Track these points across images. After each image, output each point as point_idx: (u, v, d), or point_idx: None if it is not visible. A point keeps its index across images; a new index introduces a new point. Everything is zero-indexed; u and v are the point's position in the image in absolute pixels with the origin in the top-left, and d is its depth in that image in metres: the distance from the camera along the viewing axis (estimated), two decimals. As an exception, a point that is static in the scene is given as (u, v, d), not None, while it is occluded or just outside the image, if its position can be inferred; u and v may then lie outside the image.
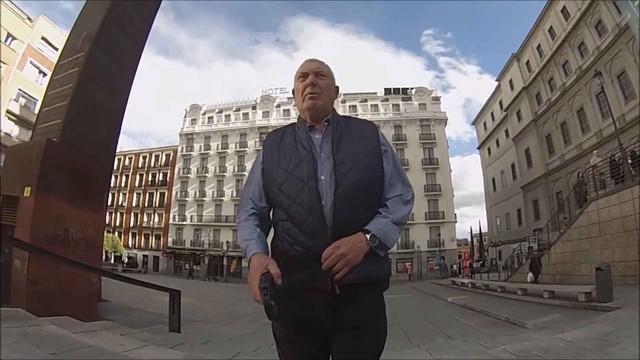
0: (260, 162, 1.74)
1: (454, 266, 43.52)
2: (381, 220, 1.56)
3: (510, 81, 39.17)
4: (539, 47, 32.90)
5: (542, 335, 6.66)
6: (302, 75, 1.75)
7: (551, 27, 30.47)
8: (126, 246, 57.14)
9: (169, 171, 59.53)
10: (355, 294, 1.50)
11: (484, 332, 8.76)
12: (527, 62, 35.36)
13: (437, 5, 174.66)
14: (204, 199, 55.77)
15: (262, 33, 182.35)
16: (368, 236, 1.48)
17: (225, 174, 56.41)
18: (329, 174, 1.55)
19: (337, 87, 1.85)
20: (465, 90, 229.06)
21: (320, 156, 1.61)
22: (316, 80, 1.70)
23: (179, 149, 59.63)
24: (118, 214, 59.70)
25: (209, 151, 57.79)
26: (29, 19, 32.43)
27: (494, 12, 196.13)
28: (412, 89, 56.99)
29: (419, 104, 55.18)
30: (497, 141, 45.83)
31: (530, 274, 16.81)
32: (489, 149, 49.21)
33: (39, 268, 6.92)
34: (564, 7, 28.25)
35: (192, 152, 58.74)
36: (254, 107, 59.93)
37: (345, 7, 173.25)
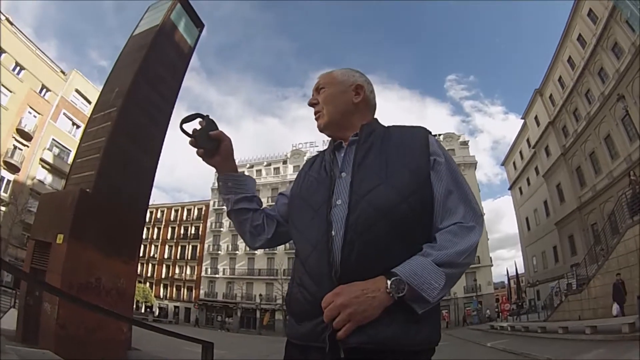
0: (288, 191, 1.55)
1: (488, 311, 41.98)
2: (418, 260, 1.12)
3: (536, 117, 38.75)
4: (560, 79, 32.66)
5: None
6: None
7: (570, 57, 30.36)
8: (157, 297, 57.25)
9: (201, 225, 60.09)
10: None
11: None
12: (551, 96, 35.06)
13: (457, 50, 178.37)
14: (237, 252, 55.65)
15: (289, 89, 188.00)
16: (389, 282, 1.07)
17: (257, 228, 56.40)
18: (344, 200, 1.22)
19: (358, 85, 1.47)
20: (493, 131, 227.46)
21: (341, 176, 1.29)
22: (316, 98, 1.47)
23: (211, 203, 60.34)
24: (150, 265, 60.22)
25: (241, 206, 58.21)
26: (63, 72, 34.71)
27: (513, 49, 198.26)
28: (439, 135, 57.03)
29: (448, 150, 54.89)
30: (528, 180, 44.86)
31: (616, 306, 12.96)
32: (520, 188, 48.14)
33: (69, 313, 7.08)
34: (580, 34, 28.30)
35: (224, 207, 58.95)
36: (284, 162, 60.46)
37: (369, 59, 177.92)
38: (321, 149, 1.76)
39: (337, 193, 1.25)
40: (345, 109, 1.44)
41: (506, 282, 55.69)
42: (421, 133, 1.37)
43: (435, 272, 1.09)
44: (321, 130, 1.46)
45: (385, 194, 1.18)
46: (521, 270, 47.84)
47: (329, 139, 1.49)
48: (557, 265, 35.11)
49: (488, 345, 16.41)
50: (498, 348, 14.57)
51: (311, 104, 1.49)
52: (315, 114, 1.48)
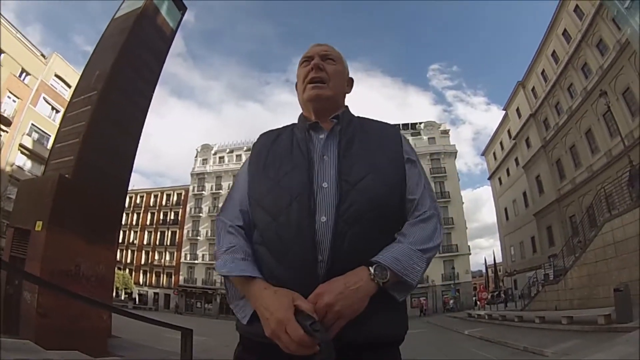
0: (246, 171, 1.36)
1: (451, 302, 43.06)
2: (395, 247, 1.12)
3: (517, 109, 39.23)
4: (543, 72, 33.05)
5: (562, 362, 6.48)
6: (305, 60, 1.41)
7: (554, 51, 30.69)
8: (137, 283, 56.88)
9: (180, 210, 59.66)
10: (358, 355, 1.06)
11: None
12: (533, 89, 35.48)
13: (442, 40, 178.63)
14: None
15: (271, 74, 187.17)
16: (372, 269, 1.05)
17: (236, 213, 56.40)
18: (332, 183, 1.16)
19: (351, 79, 1.50)
20: (474, 121, 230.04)
21: (323, 159, 1.22)
22: (322, 64, 1.36)
23: (191, 188, 59.85)
24: (129, 251, 59.58)
25: (220, 191, 57.77)
26: (43, 55, 33.71)
27: (498, 41, 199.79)
28: (420, 123, 57.26)
29: (428, 138, 55.21)
30: (508, 170, 45.52)
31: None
32: (499, 178, 48.83)
33: (49, 302, 6.98)
34: (565, 29, 28.61)
35: (203, 192, 58.93)
36: (264, 147, 60.40)
37: (353, 45, 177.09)
38: None
39: (320, 176, 1.18)
40: (341, 94, 1.42)
41: (484, 270, 56.86)
42: (395, 130, 1.38)
43: (416, 255, 1.11)
44: (313, 99, 1.34)
45: (376, 185, 1.16)
46: (499, 259, 48.80)
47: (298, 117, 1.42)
48: (534, 256, 35.87)
49: (465, 332, 16.75)
50: (475, 336, 14.87)
51: (319, 67, 1.35)
52: (316, 79, 1.34)
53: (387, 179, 1.19)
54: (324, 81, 1.34)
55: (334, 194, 1.14)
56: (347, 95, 1.48)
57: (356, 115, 1.44)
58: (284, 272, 1.09)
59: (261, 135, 1.43)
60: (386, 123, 1.41)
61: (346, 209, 1.11)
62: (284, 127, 1.42)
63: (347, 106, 1.44)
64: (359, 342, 1.04)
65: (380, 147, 1.28)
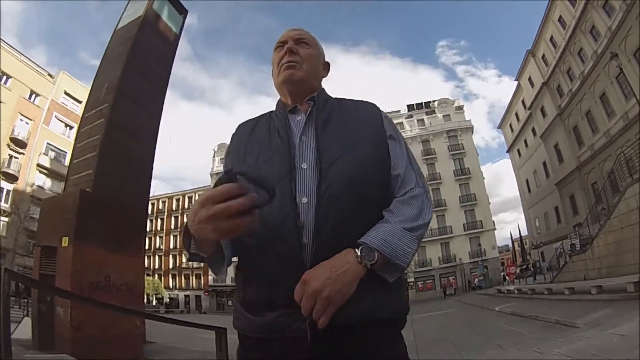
0: (226, 163, 1.37)
1: (476, 281, 43.00)
2: (383, 227, 1.09)
3: (530, 78, 38.56)
4: (551, 39, 32.37)
5: (594, 333, 6.45)
6: (279, 45, 1.40)
7: (560, 16, 30.05)
8: (167, 287, 57.95)
9: (203, 211, 60.20)
10: (354, 339, 1.04)
11: (536, 337, 8.43)
12: (543, 56, 34.78)
13: (446, 15, 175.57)
14: (241, 235, 56.05)
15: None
16: (359, 251, 1.02)
17: (259, 208, 56.77)
18: (311, 164, 1.15)
19: (327, 63, 1.49)
20: (487, 95, 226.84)
21: (302, 140, 1.21)
22: (296, 47, 1.35)
23: (212, 188, 60.39)
24: (157, 257, 60.82)
25: (241, 188, 58.17)
26: (50, 75, 34.43)
27: (503, 11, 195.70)
28: (434, 101, 56.72)
29: (443, 116, 54.83)
30: (526, 141, 44.84)
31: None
32: (518, 150, 48.14)
33: (82, 314, 7.13)
34: (570, -7, 27.96)
35: (226, 189, 59.31)
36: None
37: (358, 30, 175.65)
38: None
39: (299, 157, 1.17)
40: (315, 77, 1.39)
41: (510, 245, 56.31)
42: (375, 109, 1.35)
43: (406, 236, 1.08)
44: (287, 81, 1.31)
45: (354, 163, 1.14)
46: (524, 232, 48.30)
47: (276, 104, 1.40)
48: (559, 226, 35.44)
49: (496, 309, 16.65)
50: (506, 312, 14.78)
51: (292, 50, 1.33)
52: (289, 62, 1.32)
53: (366, 156, 1.17)
54: (298, 63, 1.32)
55: (313, 175, 1.12)
56: (325, 79, 1.46)
57: (345, 97, 1.42)
58: (270, 262, 1.07)
59: (239, 126, 1.41)
60: (365, 101, 1.39)
61: (326, 188, 1.09)
62: (261, 115, 1.41)
63: (323, 88, 1.42)
64: (352, 324, 1.01)
65: (359, 124, 1.26)
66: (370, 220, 1.11)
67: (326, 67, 1.48)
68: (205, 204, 0.87)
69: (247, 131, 1.34)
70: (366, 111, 1.33)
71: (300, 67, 1.32)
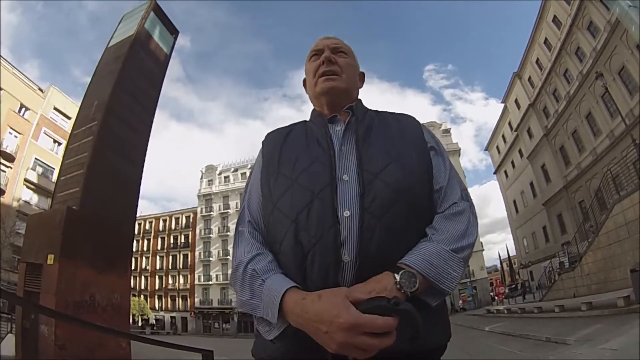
0: (258, 173, 1.24)
1: (460, 303, 43.46)
2: (428, 247, 0.99)
3: (516, 100, 39.19)
4: (537, 61, 33.06)
5: (586, 349, 6.46)
6: (314, 54, 1.35)
7: (546, 38, 30.74)
8: (153, 308, 56.85)
9: (190, 233, 59.75)
10: None
11: (527, 356, 8.43)
12: (529, 78, 35.45)
13: (434, 41, 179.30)
14: (228, 257, 55.22)
15: (269, 90, 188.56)
16: (398, 276, 0.91)
17: (246, 230, 56.49)
18: (353, 176, 1.07)
19: (363, 74, 1.44)
20: (474, 117, 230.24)
21: (342, 151, 1.13)
22: (334, 57, 1.29)
23: (199, 210, 60.02)
24: (143, 277, 59.77)
25: (229, 210, 57.90)
26: (41, 89, 34.21)
27: (489, 35, 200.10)
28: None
29: (430, 139, 55.37)
30: (513, 163, 45.28)
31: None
32: (505, 172, 48.60)
33: (66, 333, 6.97)
34: (555, 16, 28.67)
35: (211, 213, 59.05)
36: (269, 164, 60.72)
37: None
38: None
39: (340, 168, 1.08)
40: (354, 86, 1.34)
41: (499, 265, 56.39)
42: (414, 120, 1.30)
43: (452, 259, 0.98)
44: (327, 92, 1.27)
45: (399, 173, 1.06)
46: (513, 252, 48.44)
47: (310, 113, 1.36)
48: (548, 245, 35.60)
49: (486, 329, 16.56)
50: (496, 332, 14.70)
51: (330, 60, 1.28)
52: (328, 72, 1.27)
53: (411, 167, 1.10)
54: (337, 74, 1.27)
55: (356, 186, 1.04)
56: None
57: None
58: (303, 283, 0.97)
59: (269, 134, 1.34)
60: (403, 113, 1.33)
61: (371, 200, 1.00)
62: (294, 124, 1.34)
63: (360, 99, 1.36)
64: (394, 353, 0.86)
65: (401, 135, 1.19)
66: (416, 234, 1.04)
67: (362, 77, 1.44)
68: (352, 329, 0.80)
69: (281, 138, 1.27)
70: (406, 122, 1.27)
71: (340, 78, 1.27)
